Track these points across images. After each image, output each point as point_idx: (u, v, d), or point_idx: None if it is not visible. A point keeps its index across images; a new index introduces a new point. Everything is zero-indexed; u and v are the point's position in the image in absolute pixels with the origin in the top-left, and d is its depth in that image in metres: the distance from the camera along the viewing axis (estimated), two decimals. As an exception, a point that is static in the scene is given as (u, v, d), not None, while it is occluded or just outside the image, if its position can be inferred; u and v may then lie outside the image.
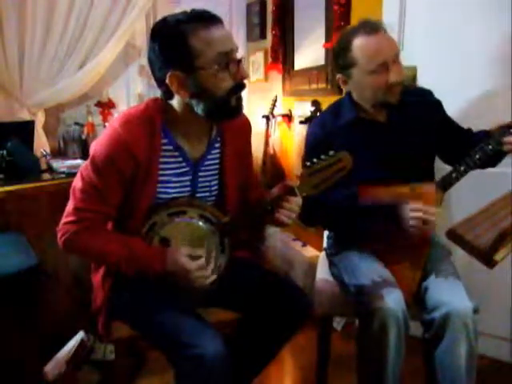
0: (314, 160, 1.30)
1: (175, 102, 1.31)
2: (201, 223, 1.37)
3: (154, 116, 1.32)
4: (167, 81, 1.24)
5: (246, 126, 1.53)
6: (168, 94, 1.30)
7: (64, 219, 1.33)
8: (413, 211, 1.46)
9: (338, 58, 1.58)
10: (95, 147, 1.31)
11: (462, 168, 1.49)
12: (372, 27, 1.51)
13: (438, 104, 1.68)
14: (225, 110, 1.29)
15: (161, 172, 1.34)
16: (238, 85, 1.27)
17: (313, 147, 1.61)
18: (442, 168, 1.71)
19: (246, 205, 1.51)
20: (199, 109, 1.28)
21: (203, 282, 1.31)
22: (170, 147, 1.35)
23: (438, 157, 1.71)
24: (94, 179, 1.29)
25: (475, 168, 1.50)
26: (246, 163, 1.56)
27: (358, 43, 1.50)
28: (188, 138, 1.37)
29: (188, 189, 1.40)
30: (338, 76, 1.61)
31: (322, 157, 1.30)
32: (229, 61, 1.24)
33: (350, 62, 1.53)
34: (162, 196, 1.36)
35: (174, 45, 1.22)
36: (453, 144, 1.66)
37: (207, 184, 1.43)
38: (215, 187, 1.45)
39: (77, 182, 1.33)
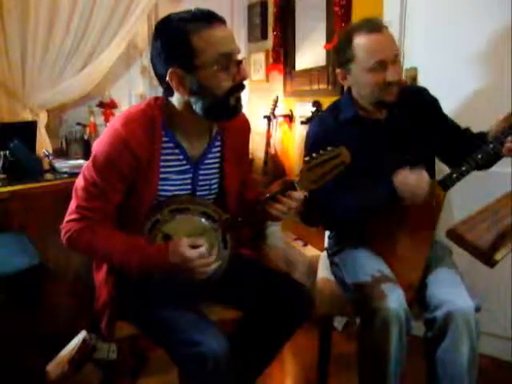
0: (313, 155, 1.32)
1: (175, 100, 1.32)
2: (203, 220, 1.38)
3: (154, 115, 1.33)
4: (167, 77, 1.26)
5: (246, 126, 1.54)
6: (168, 91, 1.31)
7: (67, 217, 1.35)
8: (401, 175, 1.49)
9: (339, 52, 1.59)
10: (97, 147, 1.32)
11: (464, 168, 1.49)
12: (374, 25, 1.52)
13: (434, 101, 1.69)
14: (223, 110, 1.30)
15: (162, 170, 1.35)
16: (237, 85, 1.28)
17: (313, 145, 1.62)
18: (442, 169, 1.72)
19: (244, 203, 1.52)
20: (198, 107, 1.29)
21: (206, 270, 1.31)
22: (171, 145, 1.36)
23: (435, 156, 1.71)
24: (96, 178, 1.30)
25: (477, 168, 1.51)
26: (245, 163, 1.57)
27: (359, 40, 1.52)
28: (188, 136, 1.38)
29: (188, 187, 1.41)
30: (338, 71, 1.63)
31: (321, 152, 1.32)
32: (229, 61, 1.25)
33: (349, 57, 1.54)
34: (162, 194, 1.37)
35: (175, 42, 1.24)
36: (450, 142, 1.66)
37: (207, 182, 1.44)
38: (215, 186, 1.47)
39: (79, 181, 1.34)
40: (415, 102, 1.64)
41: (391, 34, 1.55)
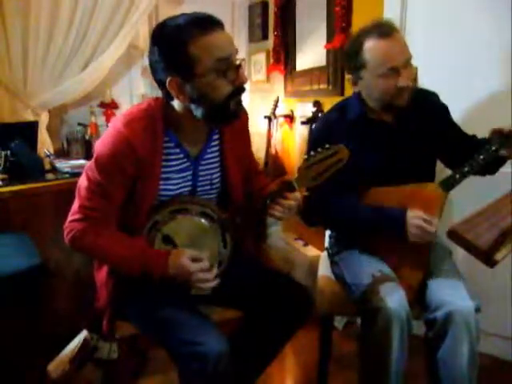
0: (312, 153, 1.32)
1: (176, 104, 1.33)
2: (202, 220, 1.39)
3: (155, 115, 1.33)
4: (167, 85, 1.26)
5: (244, 118, 1.52)
6: (169, 96, 1.31)
7: (70, 217, 1.35)
8: (414, 219, 1.47)
9: (349, 58, 1.57)
10: (99, 147, 1.32)
11: (466, 169, 1.50)
12: (385, 30, 1.50)
13: (444, 108, 1.68)
14: (223, 115, 1.30)
15: (163, 169, 1.36)
16: (236, 89, 1.28)
17: (314, 144, 1.62)
18: (443, 169, 1.72)
19: (249, 197, 1.52)
20: (198, 113, 1.29)
21: (205, 286, 1.31)
22: (172, 144, 1.37)
23: (439, 160, 1.72)
24: (99, 178, 1.30)
25: (478, 169, 1.51)
26: (246, 153, 1.57)
27: (370, 46, 1.50)
28: (188, 135, 1.39)
29: (189, 183, 1.42)
30: (348, 77, 1.62)
31: (319, 149, 1.32)
32: (228, 66, 1.24)
33: (360, 63, 1.53)
34: (164, 193, 1.38)
35: (173, 51, 1.23)
36: (455, 148, 1.66)
37: (208, 178, 1.44)
38: (217, 180, 1.47)
39: (82, 181, 1.34)
40: (426, 106, 1.63)
41: (402, 38, 1.54)
